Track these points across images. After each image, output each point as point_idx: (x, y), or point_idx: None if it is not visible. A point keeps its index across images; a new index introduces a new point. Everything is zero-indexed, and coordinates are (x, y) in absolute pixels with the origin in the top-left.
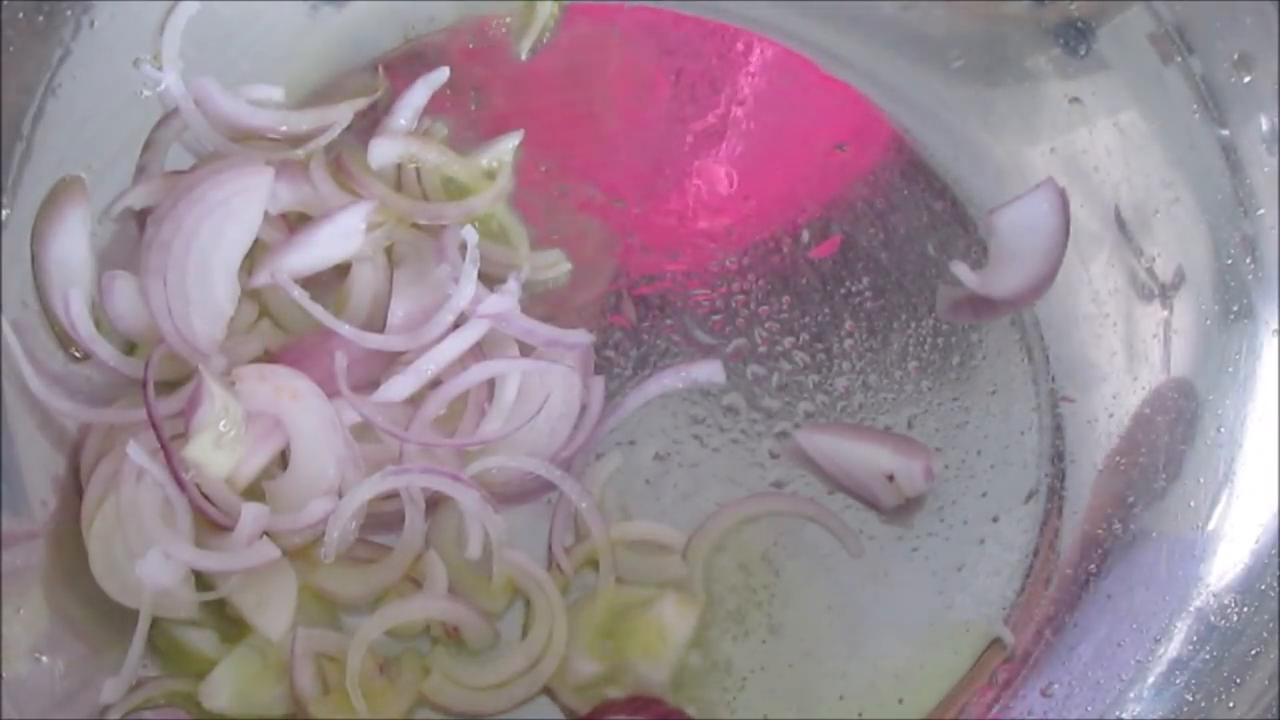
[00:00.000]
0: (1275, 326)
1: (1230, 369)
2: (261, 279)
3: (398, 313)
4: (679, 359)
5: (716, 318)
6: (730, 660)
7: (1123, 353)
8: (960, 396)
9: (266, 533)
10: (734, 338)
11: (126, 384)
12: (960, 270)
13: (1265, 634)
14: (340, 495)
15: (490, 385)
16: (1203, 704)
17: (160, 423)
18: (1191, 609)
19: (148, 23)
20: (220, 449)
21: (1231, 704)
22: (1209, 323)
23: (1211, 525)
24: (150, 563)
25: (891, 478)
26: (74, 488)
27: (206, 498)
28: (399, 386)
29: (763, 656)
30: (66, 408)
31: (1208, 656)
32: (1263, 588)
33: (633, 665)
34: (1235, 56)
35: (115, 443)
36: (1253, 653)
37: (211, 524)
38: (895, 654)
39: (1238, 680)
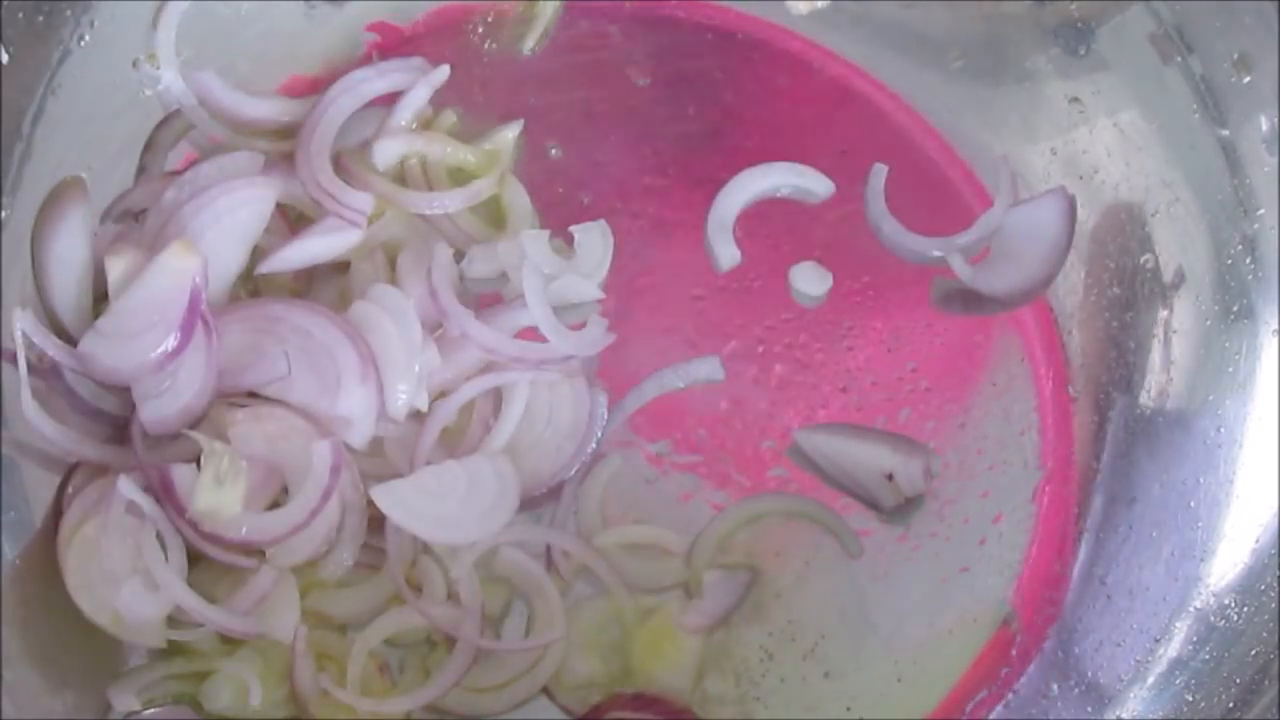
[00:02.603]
0: (1275, 326)
1: (1230, 369)
2: (262, 270)
3: None
4: (678, 358)
5: (716, 317)
6: (731, 660)
7: (1123, 353)
8: (960, 396)
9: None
10: (734, 337)
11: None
12: (955, 261)
13: (1265, 634)
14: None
15: (496, 399)
16: (1203, 704)
17: (148, 467)
18: (1191, 609)
19: (148, 23)
20: (223, 486)
21: (1231, 704)
22: (1209, 323)
23: (1212, 525)
24: (131, 595)
25: (891, 477)
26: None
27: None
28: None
29: (763, 656)
30: (53, 433)
31: (1208, 656)
32: (1263, 588)
33: (645, 671)
34: (1235, 56)
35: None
36: (1253, 653)
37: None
38: (896, 654)
39: (1238, 680)
